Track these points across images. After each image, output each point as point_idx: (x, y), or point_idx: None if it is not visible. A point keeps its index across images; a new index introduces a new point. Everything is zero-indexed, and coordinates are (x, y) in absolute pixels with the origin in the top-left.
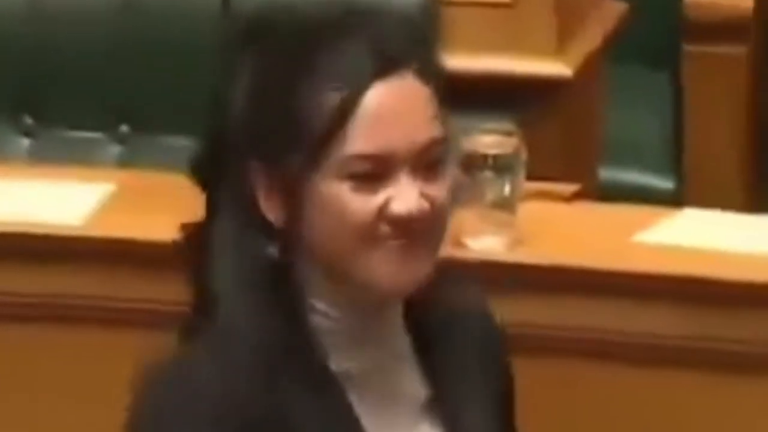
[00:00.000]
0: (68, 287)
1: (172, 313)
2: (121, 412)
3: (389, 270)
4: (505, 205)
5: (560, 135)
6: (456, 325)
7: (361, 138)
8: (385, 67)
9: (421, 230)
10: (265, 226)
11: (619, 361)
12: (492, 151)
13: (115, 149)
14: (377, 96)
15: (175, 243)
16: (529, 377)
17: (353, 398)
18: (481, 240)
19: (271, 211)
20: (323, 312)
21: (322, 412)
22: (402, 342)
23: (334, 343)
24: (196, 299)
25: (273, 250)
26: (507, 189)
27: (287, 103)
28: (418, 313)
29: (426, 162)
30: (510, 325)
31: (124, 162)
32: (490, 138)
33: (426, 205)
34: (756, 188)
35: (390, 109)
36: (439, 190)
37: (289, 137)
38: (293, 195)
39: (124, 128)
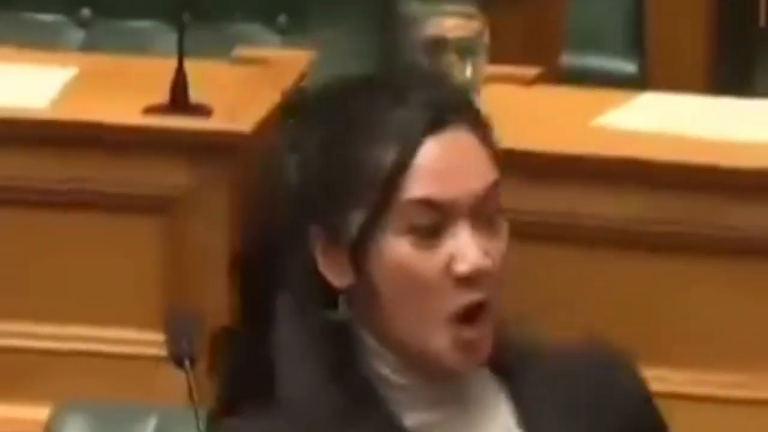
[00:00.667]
0: (32, 171)
1: (137, 195)
2: (100, 290)
3: (447, 354)
4: (467, 87)
5: (522, 19)
6: (558, 374)
7: (419, 187)
8: (440, 121)
9: (485, 293)
10: (326, 291)
11: (578, 245)
12: (454, 34)
13: (78, 34)
14: (433, 149)
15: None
16: None
17: None
18: None
19: (333, 274)
20: (387, 378)
21: None
22: (489, 394)
23: (404, 403)
24: (246, 374)
25: (335, 315)
26: (469, 72)
27: (345, 163)
28: (511, 365)
29: (485, 214)
30: None
31: (87, 47)
32: (452, 21)
33: (489, 262)
34: (717, 70)
35: (446, 160)
36: (499, 244)
37: (348, 196)
38: (356, 253)
39: (85, 12)
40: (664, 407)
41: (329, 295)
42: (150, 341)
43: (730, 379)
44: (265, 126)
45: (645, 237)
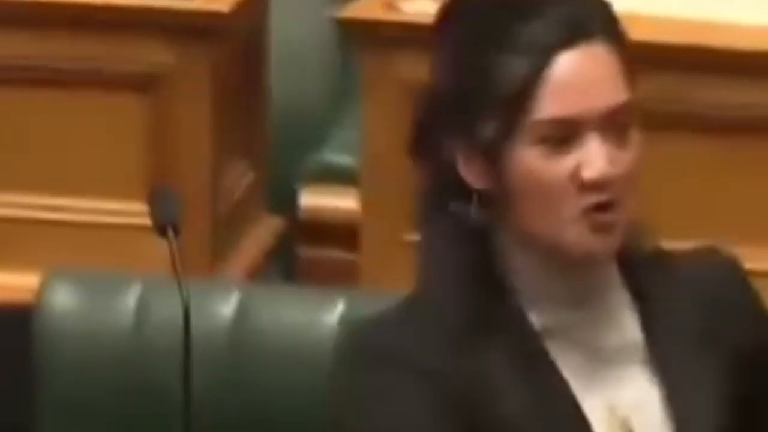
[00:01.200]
0: (17, 49)
1: (123, 73)
2: (87, 164)
3: (581, 240)
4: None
5: None
6: (682, 281)
7: (550, 103)
8: (573, 35)
9: (612, 195)
10: (465, 191)
11: None
12: None
13: None
14: (566, 63)
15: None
16: None
17: (557, 353)
18: (414, 2)
19: (471, 175)
20: (521, 273)
21: (525, 371)
22: (615, 296)
23: (534, 301)
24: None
25: (473, 212)
26: None
27: (483, 73)
28: (637, 268)
29: (615, 126)
30: None
31: None
32: None
33: (616, 169)
34: None
35: (578, 75)
36: (628, 154)
37: (485, 105)
38: (490, 160)
39: None
40: None
41: (467, 195)
42: (135, 212)
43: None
44: (244, 7)
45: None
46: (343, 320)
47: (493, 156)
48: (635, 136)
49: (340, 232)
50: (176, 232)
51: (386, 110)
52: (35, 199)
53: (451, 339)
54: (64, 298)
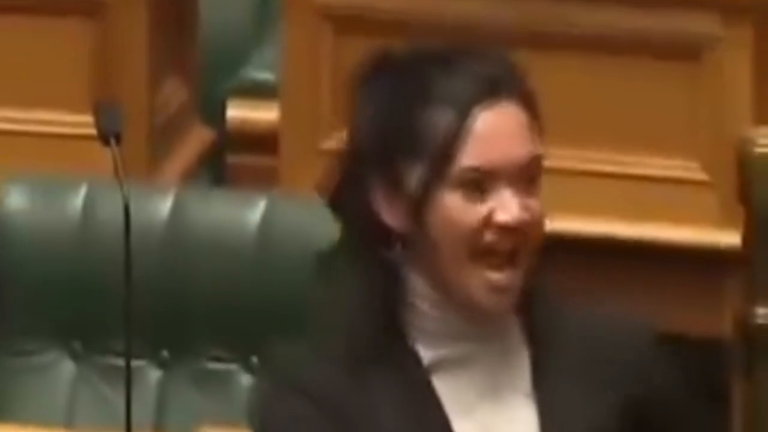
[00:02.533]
0: None
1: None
2: (40, 81)
3: (479, 296)
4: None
5: None
6: (580, 329)
7: (471, 154)
8: (492, 92)
9: (521, 240)
10: (383, 233)
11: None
12: None
13: None
14: (485, 118)
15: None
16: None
17: (443, 385)
18: None
19: (392, 219)
20: (423, 311)
21: (406, 402)
22: (510, 336)
23: (430, 337)
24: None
25: (391, 254)
26: None
27: (409, 126)
28: (537, 314)
29: (526, 177)
30: None
31: None
32: None
33: (527, 215)
34: None
35: (496, 129)
36: (537, 202)
37: (411, 156)
38: (413, 205)
39: None
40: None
41: (385, 237)
42: (82, 123)
43: (593, 155)
44: None
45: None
46: (264, 218)
47: (418, 201)
48: (540, 187)
49: (262, 141)
50: (118, 141)
51: (304, 30)
52: None
53: (347, 370)
54: (19, 199)
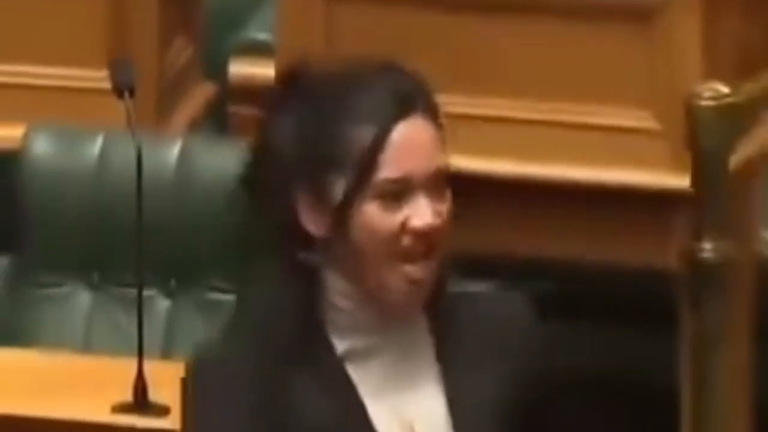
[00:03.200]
0: None
1: None
2: (58, 39)
3: (397, 290)
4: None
5: None
6: (476, 316)
7: (389, 165)
8: (407, 108)
9: (434, 241)
10: (302, 236)
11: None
12: None
13: None
14: (401, 131)
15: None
16: None
17: (358, 373)
18: None
19: (312, 224)
20: (340, 308)
21: (325, 390)
22: (417, 326)
23: (344, 331)
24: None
25: (310, 256)
26: None
27: (332, 140)
28: (440, 305)
29: (436, 185)
30: None
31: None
32: None
33: (438, 220)
34: None
35: (410, 142)
36: (446, 208)
37: (331, 166)
38: (335, 213)
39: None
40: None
41: (303, 240)
42: (98, 78)
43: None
44: None
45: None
46: None
47: (339, 212)
48: (449, 191)
49: (261, 94)
50: (131, 94)
51: None
52: (18, 68)
53: (270, 363)
54: (43, 146)
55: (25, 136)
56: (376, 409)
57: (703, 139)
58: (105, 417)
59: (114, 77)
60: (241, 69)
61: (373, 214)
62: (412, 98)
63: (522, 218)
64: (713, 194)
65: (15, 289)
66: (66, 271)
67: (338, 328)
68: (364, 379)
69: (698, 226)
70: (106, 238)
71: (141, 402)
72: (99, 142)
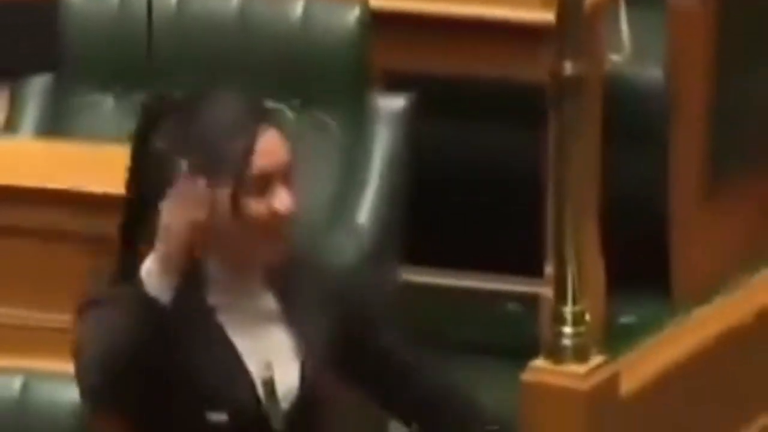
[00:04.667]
0: None
1: None
2: None
3: (267, 255)
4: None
5: None
6: (306, 276)
7: (259, 165)
8: (263, 120)
9: (289, 219)
10: None
11: None
12: None
13: None
14: (263, 139)
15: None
16: None
17: (227, 321)
18: None
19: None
20: (215, 276)
21: (203, 337)
22: (263, 286)
23: (216, 291)
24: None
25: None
26: None
27: (212, 153)
28: (280, 270)
29: (288, 176)
30: None
31: None
32: None
33: (293, 203)
34: None
35: (272, 146)
36: (294, 194)
37: (215, 174)
38: (221, 203)
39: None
40: None
41: None
42: None
43: None
44: None
45: None
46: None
47: (225, 199)
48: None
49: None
50: None
51: None
52: None
53: (159, 321)
54: None
55: None
56: (242, 346)
57: None
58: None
59: None
60: None
61: (249, 204)
62: (263, 111)
63: (429, 44)
64: (572, 26)
65: (55, 101)
66: (95, 82)
67: (214, 291)
68: (230, 324)
69: (561, 50)
70: (127, 56)
71: None
72: None
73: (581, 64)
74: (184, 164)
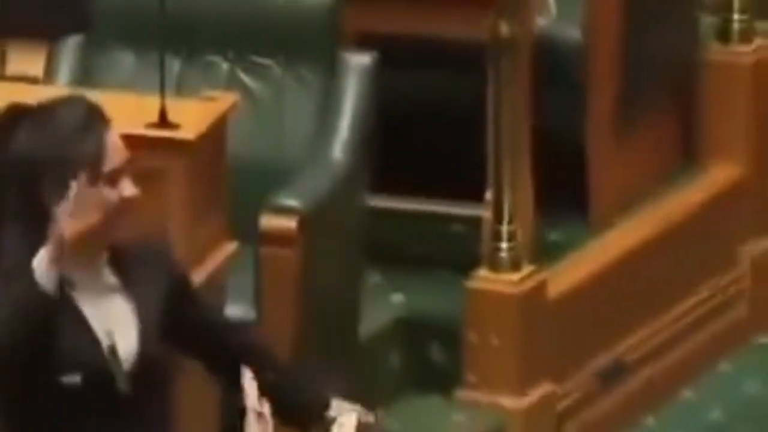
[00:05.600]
0: None
1: None
2: None
3: (119, 231)
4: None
5: None
6: (141, 255)
7: (109, 161)
8: (106, 123)
9: (133, 205)
10: (45, 213)
11: None
12: None
13: None
14: (109, 142)
15: None
16: None
17: (81, 300)
18: None
19: (55, 204)
20: (69, 260)
21: (62, 315)
22: (105, 263)
23: (69, 266)
24: None
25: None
26: None
27: (69, 153)
28: (117, 250)
29: (128, 170)
30: None
31: None
32: None
33: (136, 192)
34: None
35: (116, 145)
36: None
37: (73, 167)
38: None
39: None
40: None
41: (47, 213)
42: None
43: None
44: None
45: None
46: None
47: (83, 192)
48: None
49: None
50: None
51: None
52: None
53: (11, 307)
54: None
55: None
56: (90, 315)
57: None
58: (140, 130)
59: None
60: None
61: (102, 193)
62: (102, 114)
63: (393, 8)
64: None
65: (84, 57)
66: (118, 43)
67: (70, 278)
68: (79, 296)
69: (499, 15)
70: (144, 20)
71: (164, 121)
72: None
73: (515, 26)
74: (79, 173)
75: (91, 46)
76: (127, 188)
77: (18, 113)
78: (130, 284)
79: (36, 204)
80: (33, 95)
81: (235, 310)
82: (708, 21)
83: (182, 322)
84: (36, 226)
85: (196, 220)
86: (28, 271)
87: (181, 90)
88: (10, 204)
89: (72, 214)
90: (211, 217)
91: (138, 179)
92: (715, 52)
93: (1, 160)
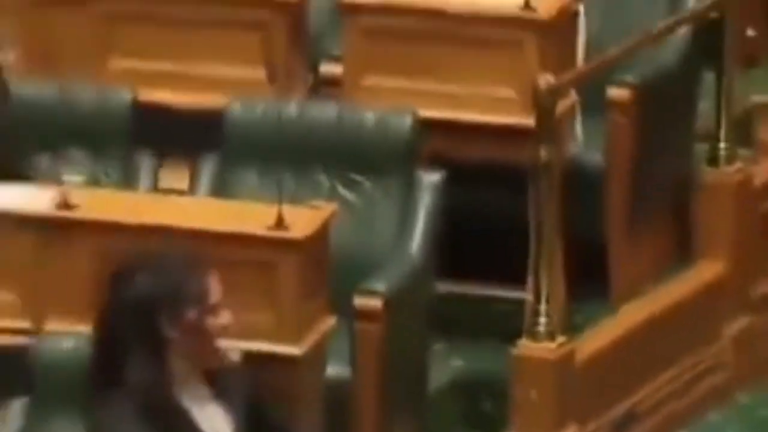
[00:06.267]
0: None
1: None
2: None
3: (218, 354)
4: None
5: None
6: (229, 381)
7: (213, 297)
8: (206, 266)
9: (229, 332)
10: (165, 341)
11: None
12: None
13: None
14: (209, 279)
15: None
16: None
17: (195, 410)
18: None
19: (171, 332)
20: (184, 379)
21: (180, 417)
22: (200, 379)
23: (183, 389)
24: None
25: (166, 351)
26: None
27: (183, 291)
28: (215, 376)
29: (225, 303)
30: None
31: None
32: None
33: (231, 320)
34: None
35: (215, 281)
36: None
37: (185, 304)
38: (192, 325)
39: None
40: None
41: (165, 343)
42: None
43: None
44: None
45: None
46: None
47: (195, 326)
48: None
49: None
50: None
51: None
52: None
53: (143, 418)
54: None
55: None
56: (201, 423)
57: (542, 101)
58: (262, 232)
59: None
60: None
61: (209, 324)
62: (205, 260)
63: (457, 140)
64: (547, 128)
65: (219, 173)
66: (244, 162)
67: (182, 390)
68: (191, 408)
69: (538, 143)
70: (264, 147)
71: (280, 225)
72: None
73: (551, 152)
74: (191, 308)
75: (225, 163)
76: (225, 317)
77: (132, 263)
78: (220, 396)
79: (155, 333)
80: (183, 204)
81: (335, 369)
82: (700, 148)
83: (258, 427)
84: (156, 352)
85: (305, 299)
86: (159, 385)
87: (294, 200)
88: (134, 334)
89: (188, 339)
90: (317, 296)
91: (260, 269)
92: (706, 173)
93: (127, 300)
